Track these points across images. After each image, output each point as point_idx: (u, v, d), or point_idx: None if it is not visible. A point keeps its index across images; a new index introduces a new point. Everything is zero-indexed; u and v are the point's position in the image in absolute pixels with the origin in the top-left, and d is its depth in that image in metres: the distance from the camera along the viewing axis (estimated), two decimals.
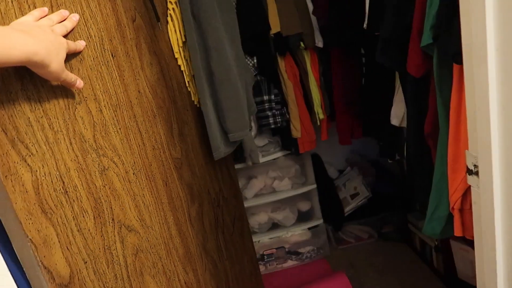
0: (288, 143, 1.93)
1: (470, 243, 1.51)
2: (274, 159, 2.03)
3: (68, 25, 0.66)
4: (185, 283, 1.00)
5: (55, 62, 0.59)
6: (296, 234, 2.15)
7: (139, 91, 0.91)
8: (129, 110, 0.86)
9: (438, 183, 0.90)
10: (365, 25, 1.23)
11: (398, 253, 2.14)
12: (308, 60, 1.70)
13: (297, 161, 2.10)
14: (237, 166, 1.96)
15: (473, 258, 1.56)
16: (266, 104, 1.78)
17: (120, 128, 0.83)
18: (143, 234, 0.86)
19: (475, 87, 0.53)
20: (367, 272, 2.04)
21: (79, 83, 0.69)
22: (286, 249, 2.15)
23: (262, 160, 1.94)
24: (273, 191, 2.13)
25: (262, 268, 2.09)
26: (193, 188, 1.10)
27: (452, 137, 0.82)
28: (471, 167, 0.62)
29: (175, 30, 1.01)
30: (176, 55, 1.04)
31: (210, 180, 1.22)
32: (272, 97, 1.77)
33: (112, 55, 0.83)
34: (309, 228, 2.15)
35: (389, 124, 1.32)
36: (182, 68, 1.07)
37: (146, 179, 0.90)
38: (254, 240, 2.05)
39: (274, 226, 2.18)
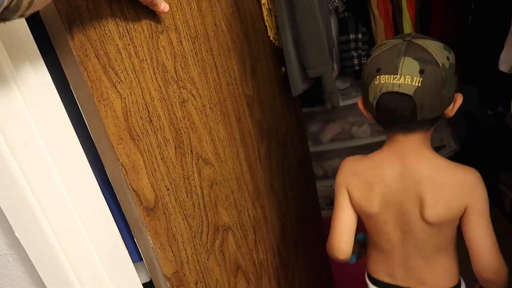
0: None
1: None
2: (355, 103, 1.95)
3: None
4: (254, 218, 1.03)
5: None
6: None
7: (215, 24, 0.88)
8: (206, 43, 0.85)
9: None
10: None
11: None
12: None
13: None
14: (314, 109, 1.91)
15: None
16: (352, 44, 1.67)
17: (198, 61, 0.82)
18: (218, 167, 0.88)
19: None
20: None
21: (165, 5, 0.67)
22: None
23: (342, 103, 1.87)
24: (351, 136, 2.06)
25: (329, 212, 2.09)
26: (262, 127, 1.09)
27: None
28: None
29: None
30: None
31: (278, 121, 1.20)
32: (360, 36, 1.65)
33: None
34: None
35: (495, 70, 1.19)
36: (263, 1, 1.02)
37: (221, 114, 0.90)
38: (326, 184, 2.05)
39: None
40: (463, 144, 2.13)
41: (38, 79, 0.53)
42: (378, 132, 2.04)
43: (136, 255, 0.73)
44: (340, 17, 1.77)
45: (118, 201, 0.69)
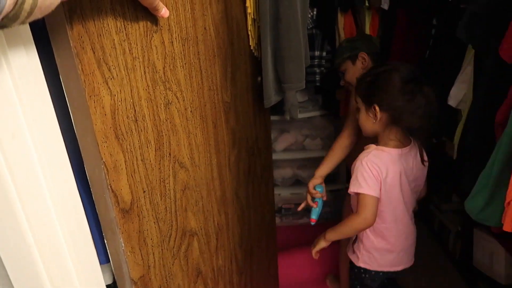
0: (329, 103, 1.90)
1: (496, 235, 1.56)
2: (311, 116, 2.01)
3: None
4: (218, 224, 1.04)
5: None
6: None
7: (205, 28, 0.88)
8: (195, 46, 0.84)
9: (499, 173, 0.89)
10: None
11: None
12: (369, 21, 1.63)
13: (333, 123, 2.08)
14: (272, 118, 1.94)
15: (496, 250, 1.61)
16: (316, 60, 1.73)
17: (185, 64, 0.81)
18: (192, 172, 0.88)
19: None
20: None
21: (165, 11, 0.66)
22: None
23: (299, 116, 1.93)
24: (303, 148, 2.12)
25: (277, 220, 2.15)
26: (235, 134, 1.10)
27: None
28: None
29: None
30: None
31: (249, 128, 1.22)
32: (324, 54, 1.72)
33: None
34: (331, 191, 2.17)
35: (445, 103, 1.30)
36: (249, 11, 1.03)
37: (200, 118, 0.89)
38: (275, 192, 2.09)
39: (297, 182, 2.20)
40: None
41: (30, 66, 0.49)
42: (329, 146, 2.12)
43: (103, 257, 0.70)
44: (307, 33, 1.83)
45: (91, 201, 0.66)
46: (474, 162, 1.10)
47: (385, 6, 1.59)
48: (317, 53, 1.78)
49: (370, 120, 1.13)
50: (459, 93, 1.27)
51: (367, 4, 1.59)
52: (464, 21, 1.00)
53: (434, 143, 1.67)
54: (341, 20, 1.66)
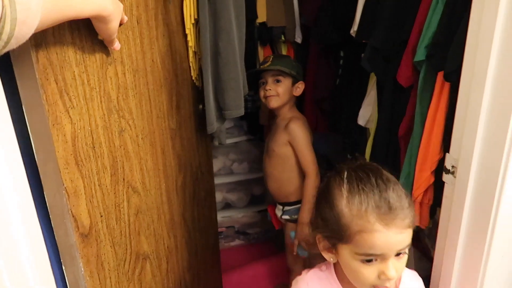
0: (254, 128, 2.02)
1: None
2: (237, 142, 2.11)
3: None
4: (168, 247, 1.06)
5: (116, 20, 0.62)
6: (247, 215, 2.25)
7: (152, 60, 0.94)
8: (144, 77, 0.89)
9: (405, 180, 1.06)
10: (352, 32, 1.35)
11: None
12: (285, 53, 1.79)
13: (259, 147, 2.19)
14: None
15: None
16: None
17: (136, 93, 0.86)
18: (143, 196, 0.91)
19: (469, 104, 0.67)
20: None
21: (117, 45, 0.71)
22: (236, 229, 2.25)
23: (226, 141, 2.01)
24: (231, 172, 2.21)
25: None
26: (181, 159, 1.15)
27: (425, 142, 0.98)
28: (449, 167, 0.77)
29: (189, 8, 1.04)
30: (187, 32, 1.08)
31: (193, 154, 1.27)
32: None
33: (137, 22, 0.85)
34: (259, 211, 2.26)
35: (355, 123, 1.47)
36: (190, 44, 1.10)
37: (150, 145, 0.93)
38: None
39: (227, 205, 2.26)
40: None
41: None
42: (256, 169, 2.24)
43: (60, 284, 0.70)
44: None
45: (48, 228, 0.67)
46: None
47: (299, 40, 1.79)
48: None
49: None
50: (366, 114, 1.45)
51: (283, 38, 1.77)
52: (366, 53, 1.19)
53: (349, 159, 1.86)
54: (261, 52, 1.82)
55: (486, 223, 0.67)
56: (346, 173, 0.75)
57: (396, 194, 0.69)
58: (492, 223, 0.66)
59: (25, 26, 0.43)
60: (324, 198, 0.77)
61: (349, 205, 0.71)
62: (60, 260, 0.68)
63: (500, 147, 0.61)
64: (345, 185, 0.73)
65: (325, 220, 0.75)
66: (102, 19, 0.59)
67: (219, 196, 2.23)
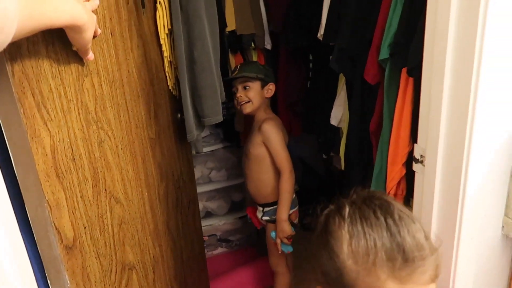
0: (230, 136, 2.04)
1: None
2: (214, 150, 2.12)
3: (94, 4, 0.70)
4: (153, 256, 1.06)
5: (90, 30, 0.63)
6: (228, 222, 2.26)
7: (128, 71, 0.95)
8: (121, 88, 0.91)
9: (378, 174, 1.10)
10: (319, 35, 1.40)
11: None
12: (255, 59, 1.83)
13: (236, 154, 2.21)
14: None
15: None
16: None
17: (114, 104, 0.87)
18: (126, 206, 0.91)
19: (432, 96, 0.72)
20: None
21: (91, 55, 0.72)
22: (218, 237, 2.25)
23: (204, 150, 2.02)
24: (209, 181, 2.21)
25: None
26: (162, 168, 1.16)
27: (394, 136, 1.03)
28: (418, 157, 0.81)
29: (162, 18, 1.06)
30: (162, 42, 1.09)
31: (174, 163, 1.28)
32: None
33: (111, 34, 0.86)
34: (240, 217, 2.27)
35: (328, 123, 1.51)
36: (166, 54, 1.12)
37: (130, 155, 0.94)
38: None
39: (208, 214, 2.26)
40: (300, 183, 2.53)
41: None
42: (234, 176, 2.25)
43: None
44: None
45: (31, 242, 0.66)
46: (358, 168, 1.31)
47: (268, 46, 1.84)
48: None
49: None
50: (338, 114, 1.50)
51: (253, 45, 1.81)
52: (334, 55, 1.23)
53: (324, 158, 1.90)
54: (232, 59, 1.85)
55: (455, 204, 0.71)
56: (347, 209, 0.61)
57: (412, 238, 0.56)
58: (460, 205, 0.70)
59: (2, 34, 0.44)
60: (322, 244, 0.63)
61: (353, 255, 0.57)
62: (45, 273, 0.68)
63: (462, 133, 0.66)
64: (346, 227, 0.59)
65: (325, 274, 0.62)
66: (77, 28, 0.61)
67: (199, 205, 2.23)
